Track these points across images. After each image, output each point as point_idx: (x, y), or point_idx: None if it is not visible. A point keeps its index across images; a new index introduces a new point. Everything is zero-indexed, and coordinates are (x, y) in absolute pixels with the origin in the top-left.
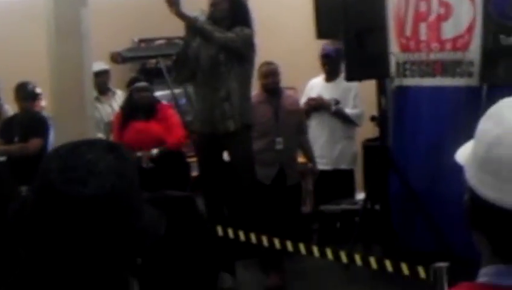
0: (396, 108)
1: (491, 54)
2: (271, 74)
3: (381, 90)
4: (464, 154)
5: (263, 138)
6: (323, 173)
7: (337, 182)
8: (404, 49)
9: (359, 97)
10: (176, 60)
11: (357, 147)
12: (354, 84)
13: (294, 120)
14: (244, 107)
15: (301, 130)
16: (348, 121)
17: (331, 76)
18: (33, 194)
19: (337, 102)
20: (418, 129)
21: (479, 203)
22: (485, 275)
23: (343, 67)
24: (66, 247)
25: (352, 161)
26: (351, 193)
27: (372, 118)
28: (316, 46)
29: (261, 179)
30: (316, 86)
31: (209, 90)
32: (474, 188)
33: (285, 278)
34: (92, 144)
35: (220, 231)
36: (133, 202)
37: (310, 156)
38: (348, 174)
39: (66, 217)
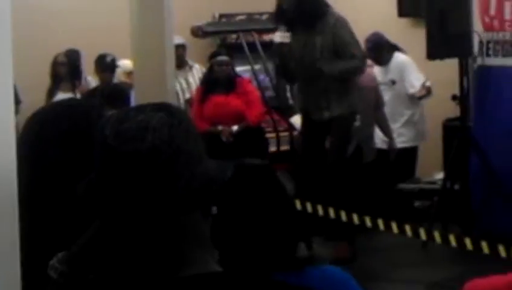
0: (478, 88)
1: None
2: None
3: (464, 69)
4: None
5: None
6: (379, 151)
7: (396, 160)
8: (488, 28)
9: (416, 72)
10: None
11: (426, 125)
12: (407, 64)
13: (370, 96)
14: (339, 99)
15: (378, 106)
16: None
17: (384, 61)
18: (96, 162)
19: (393, 82)
20: (499, 110)
21: None
22: None
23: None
24: (137, 203)
25: (415, 138)
26: (411, 172)
27: (453, 97)
28: (397, 25)
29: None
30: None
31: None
32: None
33: (356, 252)
34: (140, 107)
35: (298, 204)
36: (192, 149)
37: (386, 132)
38: (408, 152)
39: (132, 175)
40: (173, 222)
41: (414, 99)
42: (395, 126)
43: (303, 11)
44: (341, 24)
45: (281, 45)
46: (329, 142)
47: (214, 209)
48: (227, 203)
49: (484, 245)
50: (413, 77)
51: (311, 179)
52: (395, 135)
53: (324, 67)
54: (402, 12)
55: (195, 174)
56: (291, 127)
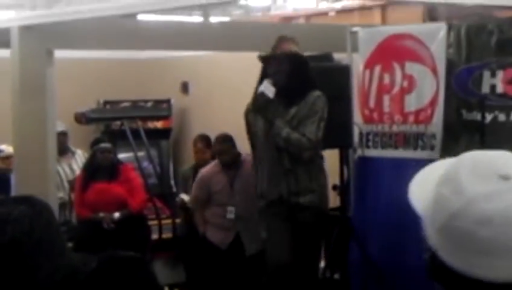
0: (358, 178)
1: (452, 128)
2: (224, 152)
3: (344, 159)
4: (420, 200)
5: (217, 207)
6: None
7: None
8: (368, 120)
9: None
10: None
11: None
12: None
13: (252, 188)
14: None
15: None
16: None
17: None
18: None
19: None
20: (378, 199)
21: (439, 263)
22: None
23: None
24: None
25: None
26: None
27: (334, 187)
28: None
29: (217, 243)
30: None
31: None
32: (434, 248)
33: None
34: (1, 200)
35: None
36: (53, 240)
37: None
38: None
39: None
40: None
41: None
42: None
43: (290, 88)
44: (319, 102)
45: (264, 97)
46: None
47: None
48: None
49: None
50: None
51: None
52: None
53: (277, 121)
54: None
55: (57, 266)
56: (174, 215)
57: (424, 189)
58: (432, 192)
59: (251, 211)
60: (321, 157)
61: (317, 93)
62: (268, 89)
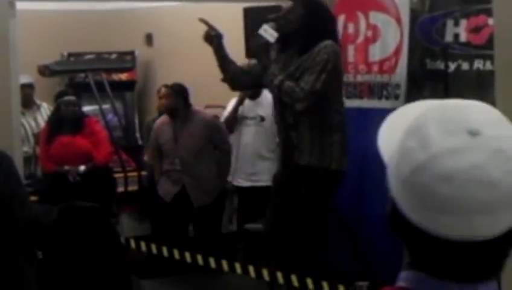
0: None
1: (417, 77)
2: (165, 96)
3: None
4: (387, 147)
5: (166, 158)
6: (243, 189)
7: (261, 199)
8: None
9: None
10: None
11: None
12: None
13: (197, 141)
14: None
15: (217, 147)
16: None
17: (255, 94)
18: None
19: (262, 118)
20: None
21: (399, 216)
22: (404, 279)
23: None
24: None
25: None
26: None
27: None
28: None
29: (163, 195)
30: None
31: None
32: (396, 201)
33: None
34: None
35: (143, 246)
36: (13, 193)
37: (222, 174)
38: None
39: None
40: None
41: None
42: (258, 164)
43: (299, 35)
44: (324, 51)
45: (261, 40)
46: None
47: (39, 254)
48: (52, 247)
49: (325, 285)
50: None
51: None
52: (257, 173)
53: (271, 67)
54: (250, 53)
55: (17, 218)
56: (139, 167)
57: (392, 137)
58: (399, 142)
59: (197, 164)
60: (339, 113)
61: (325, 43)
62: (268, 32)
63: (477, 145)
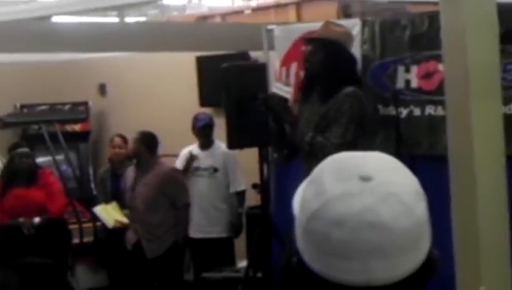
0: (278, 176)
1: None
2: (132, 141)
3: (263, 158)
4: (296, 202)
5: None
6: (195, 241)
7: (215, 250)
8: None
9: (238, 165)
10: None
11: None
12: (232, 157)
13: (151, 192)
14: None
15: (172, 201)
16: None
17: (207, 144)
18: None
19: (215, 169)
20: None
21: (305, 268)
22: None
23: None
24: None
25: (229, 229)
26: (232, 261)
27: (254, 186)
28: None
29: (125, 244)
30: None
31: None
32: (300, 252)
33: None
34: None
35: None
36: None
37: (177, 227)
38: (225, 242)
39: None
40: None
41: (232, 193)
42: (212, 215)
43: (322, 79)
44: (347, 101)
45: (277, 97)
46: None
47: None
48: None
49: None
50: (239, 176)
51: None
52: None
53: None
54: (203, 102)
55: None
56: (94, 218)
57: (299, 191)
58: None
59: (149, 215)
60: None
61: (347, 90)
62: (283, 90)
63: (368, 189)
